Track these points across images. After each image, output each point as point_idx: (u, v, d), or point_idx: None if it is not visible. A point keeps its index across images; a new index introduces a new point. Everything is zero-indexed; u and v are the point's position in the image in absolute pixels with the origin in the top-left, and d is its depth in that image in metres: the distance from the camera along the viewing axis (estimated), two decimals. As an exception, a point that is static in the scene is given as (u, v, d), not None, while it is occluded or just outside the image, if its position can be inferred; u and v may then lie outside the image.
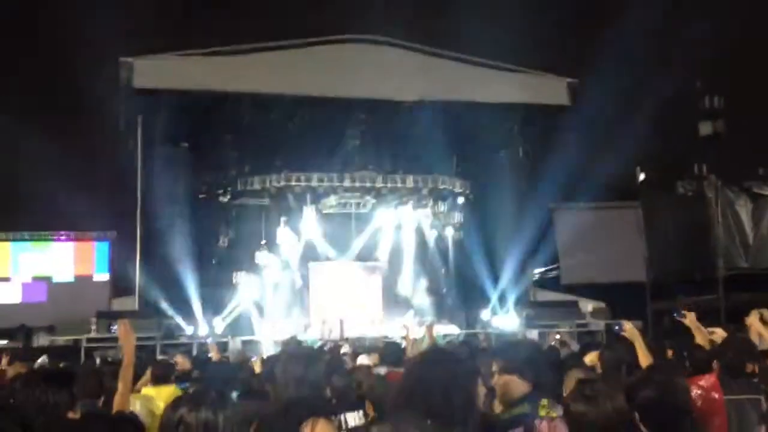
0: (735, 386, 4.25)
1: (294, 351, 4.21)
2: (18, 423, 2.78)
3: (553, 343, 11.51)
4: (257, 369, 6.55)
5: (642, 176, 21.18)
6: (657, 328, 17.19)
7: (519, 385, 3.08)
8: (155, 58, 19.67)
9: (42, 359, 6.78)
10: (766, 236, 18.77)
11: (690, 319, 6.26)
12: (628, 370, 4.72)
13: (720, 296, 17.70)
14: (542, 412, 2.99)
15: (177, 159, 20.79)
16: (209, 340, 14.93)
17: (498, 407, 3.40)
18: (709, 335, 6.29)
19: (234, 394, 4.41)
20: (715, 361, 4.71)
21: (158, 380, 5.62)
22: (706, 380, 4.36)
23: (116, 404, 4.25)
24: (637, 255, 21.06)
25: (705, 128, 20.65)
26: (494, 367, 3.36)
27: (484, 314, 21.42)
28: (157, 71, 19.33)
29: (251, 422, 3.43)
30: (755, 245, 18.74)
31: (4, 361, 7.66)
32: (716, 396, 4.22)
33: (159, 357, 9.23)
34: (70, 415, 3.23)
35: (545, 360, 3.25)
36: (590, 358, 5.38)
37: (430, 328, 7.46)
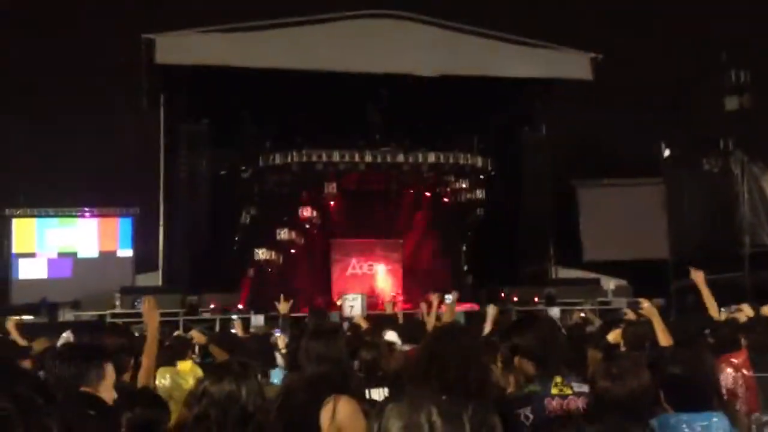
0: (763, 363, 4.21)
1: (316, 328, 4.23)
2: (41, 392, 2.83)
3: (576, 321, 11.46)
4: (280, 344, 6.59)
5: (667, 152, 20.95)
6: (680, 306, 17.08)
7: (527, 366, 3.09)
8: (176, 34, 19.68)
9: (66, 334, 6.87)
10: (792, 213, 18.54)
11: (699, 279, 6.04)
12: (652, 347, 4.70)
13: (746, 273, 17.55)
14: (554, 390, 2.97)
15: (199, 136, 20.87)
16: (234, 317, 15.04)
17: (511, 386, 3.41)
18: (734, 312, 6.23)
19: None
20: (742, 338, 4.67)
21: (174, 356, 5.68)
22: (737, 357, 4.33)
23: (141, 379, 4.31)
24: (660, 232, 20.93)
25: (731, 103, 20.33)
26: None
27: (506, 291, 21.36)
28: (178, 48, 19.34)
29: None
30: (781, 222, 18.53)
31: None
32: (748, 373, 4.20)
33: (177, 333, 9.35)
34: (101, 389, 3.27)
35: (560, 339, 3.22)
36: (613, 335, 5.35)
37: (451, 305, 7.45)
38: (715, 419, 2.48)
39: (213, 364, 3.32)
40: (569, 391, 2.97)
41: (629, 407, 2.54)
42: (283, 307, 6.98)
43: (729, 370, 4.19)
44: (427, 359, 2.77)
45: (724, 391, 4.12)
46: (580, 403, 2.95)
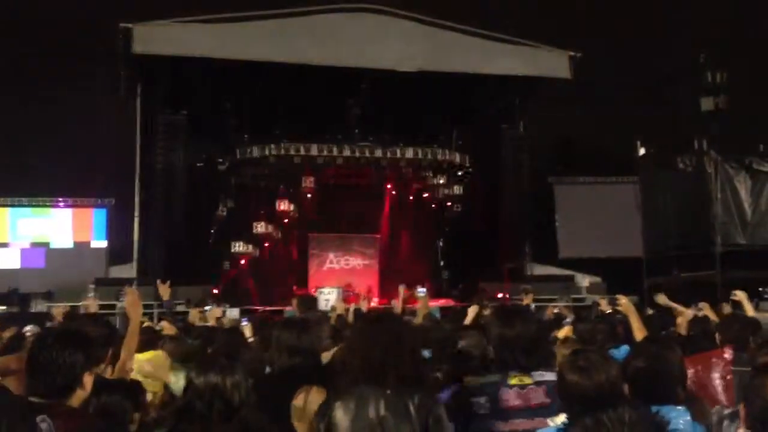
0: (741, 359, 4.27)
1: (288, 319, 4.23)
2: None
3: (550, 316, 11.53)
4: (247, 334, 6.57)
5: (642, 151, 21.15)
6: (653, 303, 17.24)
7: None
8: (154, 24, 19.49)
9: (30, 327, 6.79)
10: (764, 213, 18.81)
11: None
12: (606, 340, 4.82)
13: (717, 272, 17.77)
14: (513, 381, 3.02)
15: (176, 127, 20.72)
16: (208, 308, 14.96)
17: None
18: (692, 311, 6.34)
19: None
20: (717, 335, 4.74)
21: (144, 346, 5.66)
22: (723, 353, 4.38)
23: (117, 370, 4.27)
24: (635, 230, 21.11)
25: (707, 104, 20.57)
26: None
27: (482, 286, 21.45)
28: (156, 38, 19.16)
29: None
30: (753, 221, 18.80)
31: None
32: (730, 368, 4.26)
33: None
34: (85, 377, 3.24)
35: (528, 332, 3.25)
36: (564, 331, 5.40)
37: (423, 298, 7.49)
38: (674, 414, 2.50)
39: (199, 358, 3.30)
40: (529, 381, 3.02)
41: (596, 400, 2.55)
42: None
43: (719, 365, 4.24)
44: (353, 347, 2.80)
45: (720, 389, 4.16)
46: (540, 393, 2.99)
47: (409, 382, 2.66)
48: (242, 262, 22.01)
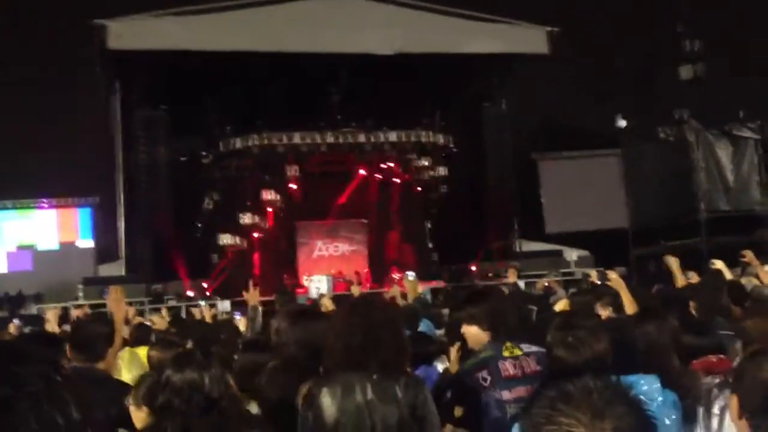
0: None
1: (291, 311, 4.19)
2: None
3: (540, 291, 11.62)
4: (242, 328, 6.58)
5: (623, 123, 21.24)
6: (640, 274, 17.41)
7: (480, 335, 3.27)
8: (129, 19, 19.34)
9: (15, 322, 6.83)
10: (746, 178, 18.96)
11: (673, 262, 6.41)
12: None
13: (702, 239, 17.93)
14: (506, 353, 3.17)
15: (157, 122, 20.63)
16: (201, 303, 14.97)
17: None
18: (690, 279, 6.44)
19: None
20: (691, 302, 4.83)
21: (137, 342, 5.69)
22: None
23: (104, 365, 4.28)
24: (620, 202, 21.24)
25: (686, 72, 20.66)
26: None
27: (471, 267, 21.56)
28: (131, 33, 19.00)
29: (252, 373, 3.47)
30: (736, 187, 18.94)
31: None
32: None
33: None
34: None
35: (511, 308, 3.41)
36: (561, 305, 5.46)
37: (412, 282, 7.53)
38: (642, 381, 2.55)
39: (175, 354, 3.30)
40: (519, 352, 3.19)
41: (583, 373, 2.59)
42: (252, 296, 6.68)
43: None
44: (335, 334, 2.83)
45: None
46: (532, 361, 3.16)
47: (392, 367, 2.70)
48: (231, 254, 21.97)
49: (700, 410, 2.82)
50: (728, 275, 6.46)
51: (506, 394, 3.09)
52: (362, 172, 23.25)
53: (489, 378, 3.11)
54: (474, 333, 3.35)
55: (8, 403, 0.97)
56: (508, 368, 3.12)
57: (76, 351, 3.69)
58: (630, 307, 4.84)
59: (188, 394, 2.72)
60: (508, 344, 3.21)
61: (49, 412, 0.99)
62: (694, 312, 4.74)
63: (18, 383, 1.00)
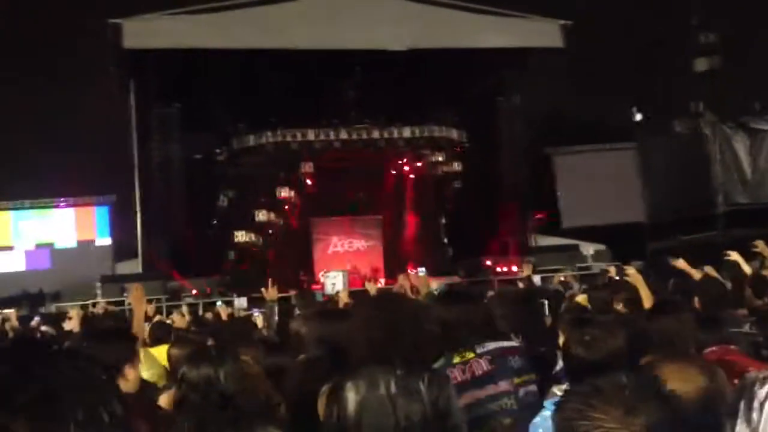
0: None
1: (313, 313, 4.19)
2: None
3: (557, 285, 11.59)
4: (259, 324, 6.63)
5: (638, 116, 21.12)
6: (657, 268, 17.30)
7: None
8: (143, 18, 19.46)
9: (35, 320, 6.92)
10: (764, 171, 18.82)
11: (680, 263, 6.41)
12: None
13: (720, 232, 17.81)
14: (456, 359, 3.05)
15: (171, 120, 20.74)
16: (218, 303, 15.04)
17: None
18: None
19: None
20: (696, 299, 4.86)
21: (157, 341, 5.73)
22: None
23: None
24: (636, 196, 21.13)
25: (701, 64, 20.51)
26: None
27: (487, 262, 21.51)
28: (145, 32, 19.13)
29: (271, 374, 3.50)
30: (753, 180, 18.81)
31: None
32: None
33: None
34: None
35: (477, 312, 3.32)
36: (581, 298, 5.49)
37: (422, 277, 7.54)
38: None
39: (191, 351, 3.33)
40: (471, 355, 3.05)
41: (601, 372, 2.60)
42: (271, 293, 6.76)
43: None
44: (358, 329, 2.84)
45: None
46: (483, 363, 3.03)
47: (415, 362, 2.70)
48: (247, 251, 22.06)
49: (741, 404, 2.82)
50: (746, 268, 6.42)
51: None
52: (376, 167, 23.27)
53: None
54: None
55: (55, 394, 1.00)
56: (456, 376, 2.99)
57: None
58: (648, 301, 4.85)
59: (204, 389, 2.76)
60: (461, 349, 3.08)
61: (94, 405, 1.03)
62: (698, 306, 4.77)
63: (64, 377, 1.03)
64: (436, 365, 3.06)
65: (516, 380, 3.09)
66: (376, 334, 2.76)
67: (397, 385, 2.63)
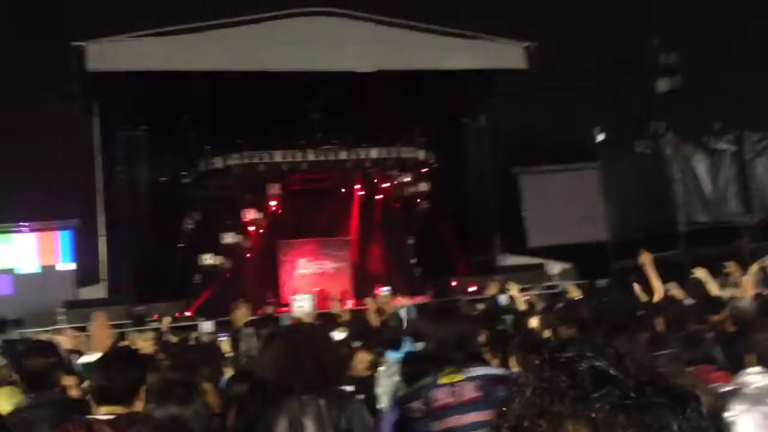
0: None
1: (273, 332, 4.19)
2: None
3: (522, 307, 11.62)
4: (225, 348, 6.57)
5: (601, 136, 21.44)
6: (622, 286, 17.49)
7: (365, 358, 3.35)
8: (107, 40, 19.31)
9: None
10: (723, 190, 19.18)
11: (647, 260, 6.52)
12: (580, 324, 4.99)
13: (682, 251, 18.08)
14: (443, 380, 3.01)
15: (137, 143, 20.56)
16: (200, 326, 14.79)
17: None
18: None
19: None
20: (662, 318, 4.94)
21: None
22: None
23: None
24: (600, 215, 21.38)
25: (663, 85, 20.91)
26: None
27: (454, 283, 21.55)
28: (109, 54, 18.99)
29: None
30: (714, 199, 19.15)
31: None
32: None
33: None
34: None
35: (461, 330, 3.31)
36: (534, 321, 5.54)
37: (386, 296, 7.57)
38: None
39: (156, 387, 3.26)
40: (459, 377, 3.00)
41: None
42: (239, 317, 6.64)
43: None
44: (270, 366, 2.98)
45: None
46: (472, 388, 2.98)
47: (316, 386, 2.82)
48: (213, 274, 21.85)
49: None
50: (712, 285, 6.53)
51: (436, 425, 2.92)
52: (344, 189, 23.29)
53: (423, 408, 2.95)
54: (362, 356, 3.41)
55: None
56: (440, 397, 2.95)
57: None
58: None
59: (171, 429, 2.71)
60: (449, 369, 3.04)
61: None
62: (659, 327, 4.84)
63: None
64: (420, 383, 3.09)
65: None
66: (281, 367, 2.89)
67: (301, 410, 2.75)
